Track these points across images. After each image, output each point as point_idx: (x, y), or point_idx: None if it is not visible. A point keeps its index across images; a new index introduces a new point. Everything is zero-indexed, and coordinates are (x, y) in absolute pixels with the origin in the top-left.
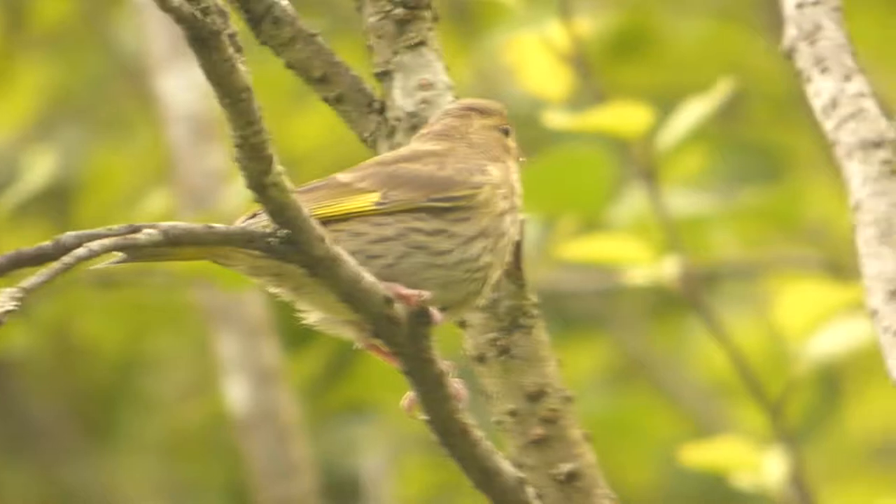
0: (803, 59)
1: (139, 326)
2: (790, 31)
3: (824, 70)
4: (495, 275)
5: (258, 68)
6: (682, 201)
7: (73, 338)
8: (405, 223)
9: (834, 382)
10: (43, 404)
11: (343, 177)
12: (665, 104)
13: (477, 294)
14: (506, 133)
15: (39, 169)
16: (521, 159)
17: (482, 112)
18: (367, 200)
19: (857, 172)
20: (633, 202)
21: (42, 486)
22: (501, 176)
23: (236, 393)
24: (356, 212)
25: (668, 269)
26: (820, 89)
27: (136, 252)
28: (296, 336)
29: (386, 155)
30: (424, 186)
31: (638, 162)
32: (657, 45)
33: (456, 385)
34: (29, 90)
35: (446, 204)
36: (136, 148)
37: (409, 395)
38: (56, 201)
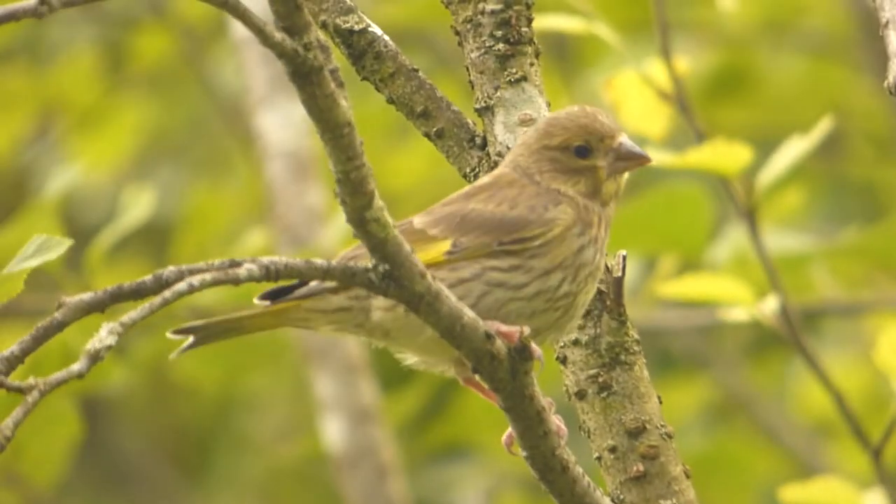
0: None
1: (236, 365)
2: (894, 69)
3: None
4: (582, 301)
5: (359, 104)
6: (782, 240)
7: (169, 376)
8: (480, 264)
9: None
10: (138, 443)
11: (418, 221)
12: (764, 144)
13: (565, 319)
14: (581, 152)
15: (138, 206)
16: (608, 179)
17: (544, 133)
18: (438, 251)
19: None
20: (733, 241)
21: None
22: (573, 214)
23: (334, 432)
24: (429, 262)
25: (768, 307)
26: None
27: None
28: (393, 375)
29: (462, 191)
30: (495, 230)
31: (738, 200)
32: (756, 85)
33: (556, 421)
34: (128, 129)
35: (516, 247)
36: (233, 186)
37: (508, 432)
38: (153, 239)
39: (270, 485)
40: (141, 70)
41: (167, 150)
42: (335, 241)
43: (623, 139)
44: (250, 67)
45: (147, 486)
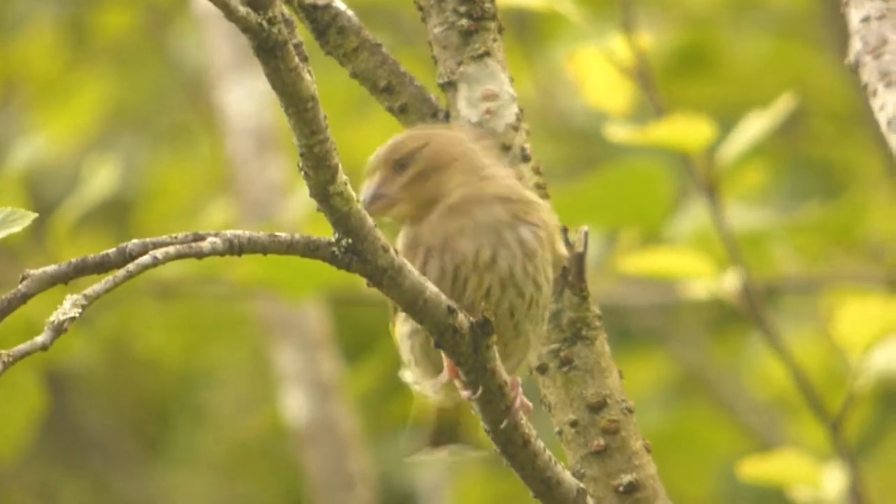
0: (868, 73)
1: (197, 339)
2: (855, 45)
3: (889, 84)
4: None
5: (322, 78)
6: (743, 216)
7: (131, 349)
8: None
9: (891, 398)
10: (98, 416)
11: None
12: (726, 120)
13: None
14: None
15: (101, 179)
16: None
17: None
18: None
19: None
20: (694, 216)
21: (96, 498)
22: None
23: (295, 405)
24: None
25: (728, 283)
26: (885, 103)
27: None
28: (354, 349)
29: None
30: None
31: (699, 176)
32: (717, 62)
33: (522, 398)
34: (90, 103)
35: None
36: (195, 160)
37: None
38: (115, 213)
39: (231, 458)
40: (104, 44)
41: (129, 124)
42: (298, 215)
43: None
44: (212, 42)
45: (108, 459)
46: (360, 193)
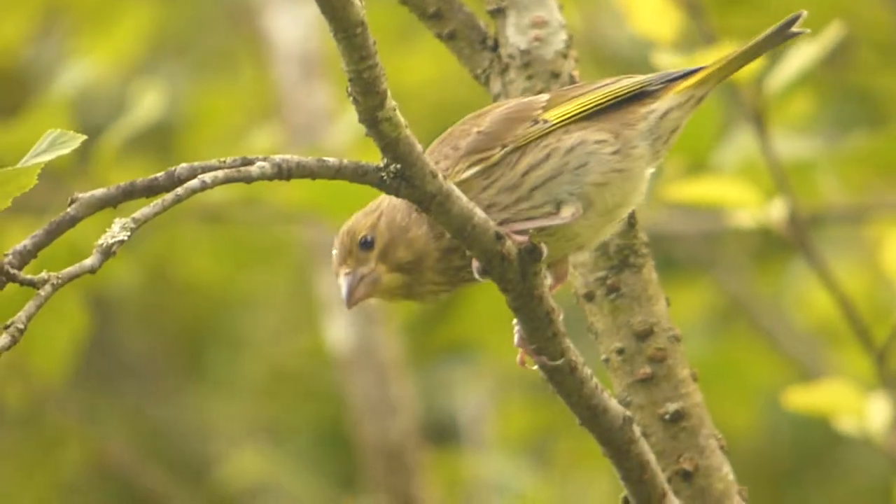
0: None
1: (236, 263)
2: None
3: None
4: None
5: (369, 4)
6: (790, 145)
7: (172, 274)
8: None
9: None
10: (136, 340)
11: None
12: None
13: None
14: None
15: (146, 104)
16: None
17: None
18: None
19: None
20: (740, 145)
21: (134, 422)
22: None
23: (338, 331)
24: None
25: (775, 211)
26: None
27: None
28: None
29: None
30: None
31: (747, 105)
32: None
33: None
34: (132, 28)
35: None
36: (238, 86)
37: (519, 336)
38: (157, 138)
39: (269, 384)
40: None
41: (171, 49)
42: (343, 141)
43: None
44: None
45: (145, 384)
46: (341, 292)
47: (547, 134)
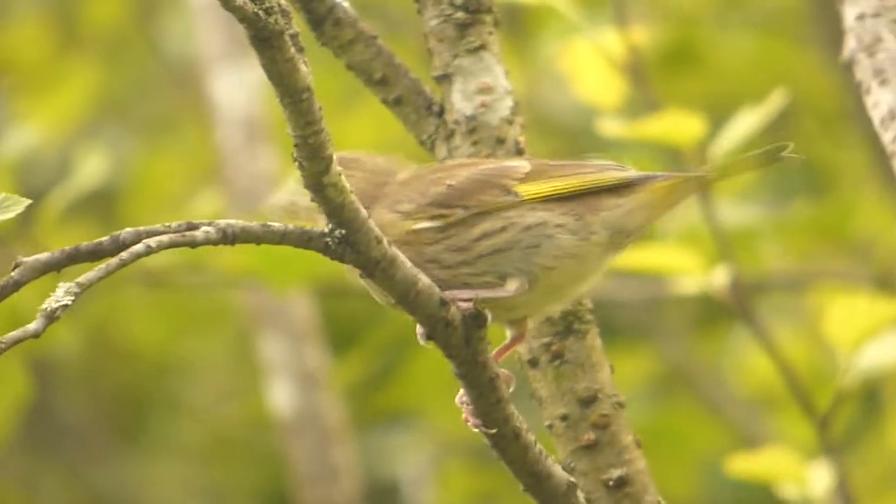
0: (862, 71)
1: (178, 329)
2: (850, 43)
3: (883, 81)
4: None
5: (314, 70)
6: (733, 212)
7: (111, 338)
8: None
9: (874, 395)
10: (75, 405)
11: None
12: (714, 116)
13: None
14: None
15: (90, 168)
16: None
17: None
18: None
19: None
20: (684, 212)
21: (73, 488)
22: None
23: (280, 396)
24: None
25: (718, 278)
26: (878, 100)
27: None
28: (341, 340)
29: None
30: None
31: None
32: (703, 59)
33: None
34: (76, 92)
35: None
36: (181, 150)
37: (464, 405)
38: (99, 202)
39: (209, 449)
40: (91, 33)
41: (114, 113)
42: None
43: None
44: (202, 31)
45: (84, 449)
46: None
47: (512, 206)
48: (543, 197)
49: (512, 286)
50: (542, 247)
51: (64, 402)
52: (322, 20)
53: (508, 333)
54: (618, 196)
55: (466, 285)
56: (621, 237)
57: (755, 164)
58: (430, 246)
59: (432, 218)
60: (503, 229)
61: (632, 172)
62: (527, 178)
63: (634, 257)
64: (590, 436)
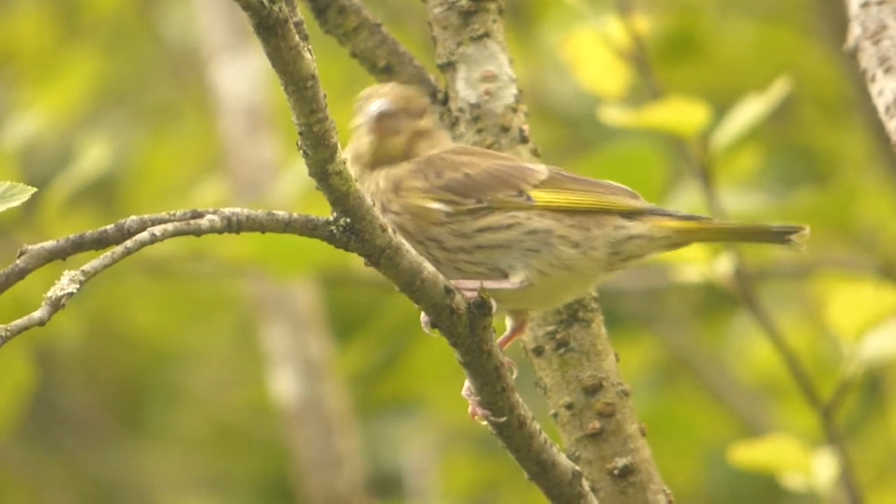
0: (867, 59)
1: (180, 317)
2: (855, 31)
3: (888, 69)
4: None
5: (319, 58)
6: (736, 201)
7: (112, 327)
8: None
9: (877, 384)
10: (75, 394)
11: None
12: (717, 105)
13: None
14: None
15: (93, 157)
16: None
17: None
18: None
19: None
20: (686, 200)
21: (74, 476)
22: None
23: (283, 384)
24: None
25: (721, 267)
26: (883, 88)
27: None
28: (344, 328)
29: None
30: None
31: (694, 160)
32: (705, 48)
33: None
34: (78, 80)
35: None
36: (183, 138)
37: (471, 397)
38: (100, 190)
39: (210, 437)
40: (93, 21)
41: (116, 101)
42: (290, 194)
43: (372, 101)
44: (204, 20)
45: (84, 437)
46: (369, 102)
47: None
48: (555, 207)
49: (517, 279)
50: (541, 252)
51: (65, 391)
52: (326, 8)
53: (508, 323)
54: (625, 219)
55: (458, 271)
56: (617, 259)
57: (762, 237)
58: (435, 226)
59: (444, 202)
60: (509, 227)
61: (642, 203)
62: (542, 184)
63: None
64: (595, 424)
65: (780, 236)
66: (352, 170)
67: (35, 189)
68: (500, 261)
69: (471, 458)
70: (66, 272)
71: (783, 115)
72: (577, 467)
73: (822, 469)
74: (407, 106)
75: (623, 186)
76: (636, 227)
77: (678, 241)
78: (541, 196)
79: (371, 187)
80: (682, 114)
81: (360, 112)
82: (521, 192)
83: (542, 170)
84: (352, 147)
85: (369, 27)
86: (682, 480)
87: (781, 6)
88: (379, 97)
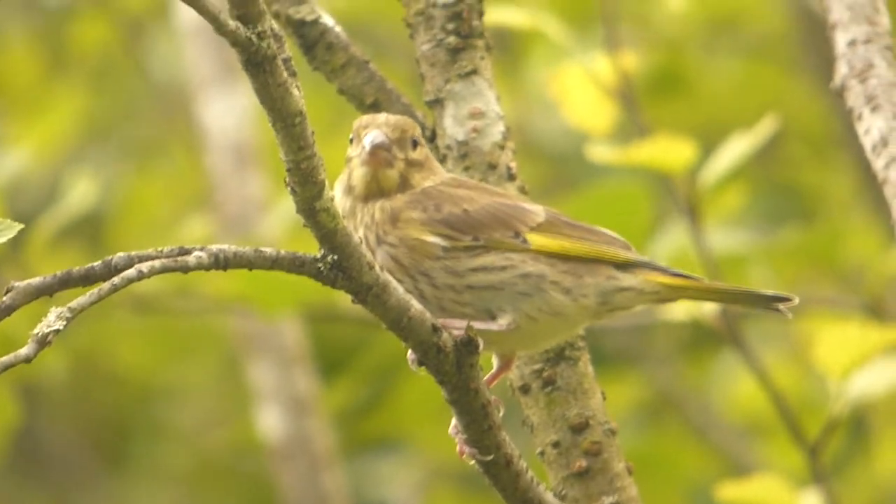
0: (854, 97)
1: (165, 354)
2: (842, 69)
3: (875, 108)
4: None
5: (306, 94)
6: (723, 238)
7: (97, 363)
8: None
9: (862, 422)
10: (60, 430)
11: None
12: (704, 142)
13: None
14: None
15: (79, 193)
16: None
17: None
18: None
19: None
20: (673, 238)
21: None
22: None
23: (269, 421)
24: None
25: (707, 304)
26: (870, 127)
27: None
28: (331, 365)
29: None
30: None
31: (681, 197)
32: (691, 84)
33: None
34: (64, 116)
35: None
36: (169, 174)
37: (458, 435)
38: (86, 227)
39: (195, 474)
40: (79, 56)
41: (102, 137)
42: (276, 231)
43: (367, 132)
44: (191, 57)
45: (69, 474)
46: (365, 132)
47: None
48: (549, 252)
49: (504, 321)
50: (533, 297)
51: (50, 427)
52: (314, 44)
53: (495, 361)
54: (618, 270)
55: (443, 310)
56: (605, 309)
57: (751, 302)
58: (430, 260)
59: (441, 236)
60: (503, 269)
61: (635, 255)
62: (539, 227)
63: None
64: (581, 463)
65: (770, 303)
66: (344, 202)
67: (22, 225)
68: (490, 302)
69: (457, 495)
70: (52, 309)
71: (769, 152)
72: None
73: None
74: (401, 137)
75: (618, 237)
76: (628, 279)
77: (667, 296)
78: (536, 240)
79: (366, 219)
80: (669, 151)
81: (356, 142)
82: (517, 234)
83: (539, 211)
84: (344, 178)
85: (357, 64)
86: None
87: (767, 43)
88: (374, 127)
